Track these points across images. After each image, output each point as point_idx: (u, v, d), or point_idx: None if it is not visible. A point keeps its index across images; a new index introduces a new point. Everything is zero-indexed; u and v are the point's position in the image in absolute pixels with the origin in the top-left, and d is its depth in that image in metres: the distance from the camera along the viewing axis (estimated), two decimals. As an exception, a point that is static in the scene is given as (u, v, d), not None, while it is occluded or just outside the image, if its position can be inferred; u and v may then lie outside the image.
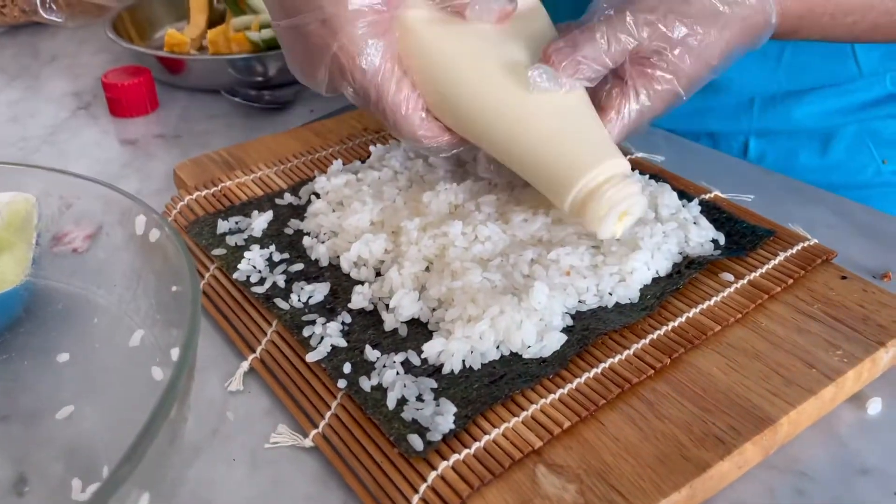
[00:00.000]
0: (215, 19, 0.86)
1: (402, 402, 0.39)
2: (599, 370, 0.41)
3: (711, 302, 0.45)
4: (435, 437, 0.37)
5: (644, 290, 0.46)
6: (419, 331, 0.44)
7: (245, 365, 0.45)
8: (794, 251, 0.48)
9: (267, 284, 0.48)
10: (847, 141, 0.69)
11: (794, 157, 0.71)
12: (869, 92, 0.67)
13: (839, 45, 0.65)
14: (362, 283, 0.47)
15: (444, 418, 0.38)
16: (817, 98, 0.68)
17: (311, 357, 0.43)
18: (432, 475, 0.36)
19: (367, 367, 0.42)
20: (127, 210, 0.38)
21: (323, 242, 0.50)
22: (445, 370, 0.41)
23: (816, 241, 0.49)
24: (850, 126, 0.69)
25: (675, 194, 0.51)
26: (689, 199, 0.52)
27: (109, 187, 0.39)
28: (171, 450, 0.30)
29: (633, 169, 0.54)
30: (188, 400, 0.31)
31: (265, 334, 0.45)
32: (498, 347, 0.42)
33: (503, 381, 0.40)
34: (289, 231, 0.52)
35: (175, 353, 0.32)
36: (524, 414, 0.39)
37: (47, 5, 0.95)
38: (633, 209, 0.44)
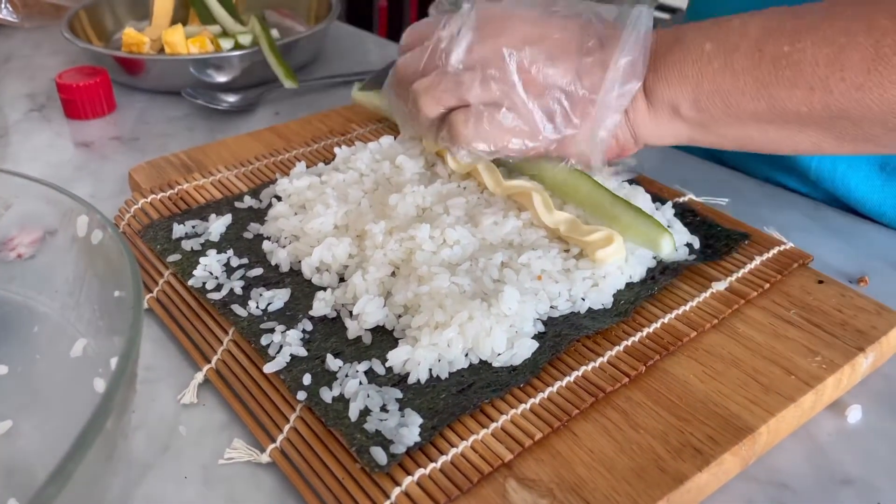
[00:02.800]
0: (179, 22, 0.84)
1: (365, 412, 0.37)
2: (572, 378, 0.39)
3: (687, 307, 0.44)
4: (399, 449, 0.35)
5: (618, 296, 0.44)
6: (384, 338, 0.42)
7: (199, 376, 0.42)
8: (769, 255, 0.47)
9: (224, 291, 0.45)
10: None
11: None
12: None
13: None
14: (324, 289, 0.45)
15: (409, 430, 0.36)
16: None
17: (268, 368, 0.40)
18: (396, 491, 0.34)
19: (328, 378, 0.39)
20: (69, 211, 0.36)
21: (284, 247, 0.48)
22: (411, 380, 0.39)
23: (792, 244, 0.48)
24: None
25: (648, 197, 0.50)
26: (663, 203, 0.51)
27: (50, 186, 0.36)
28: (108, 468, 0.27)
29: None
30: (128, 413, 0.28)
31: (221, 343, 0.43)
32: (466, 355, 0.40)
33: (472, 390, 0.38)
34: (248, 235, 0.50)
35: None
36: (494, 425, 0.37)
37: (2, 5, 0.92)
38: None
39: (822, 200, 0.59)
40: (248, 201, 0.53)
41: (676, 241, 0.47)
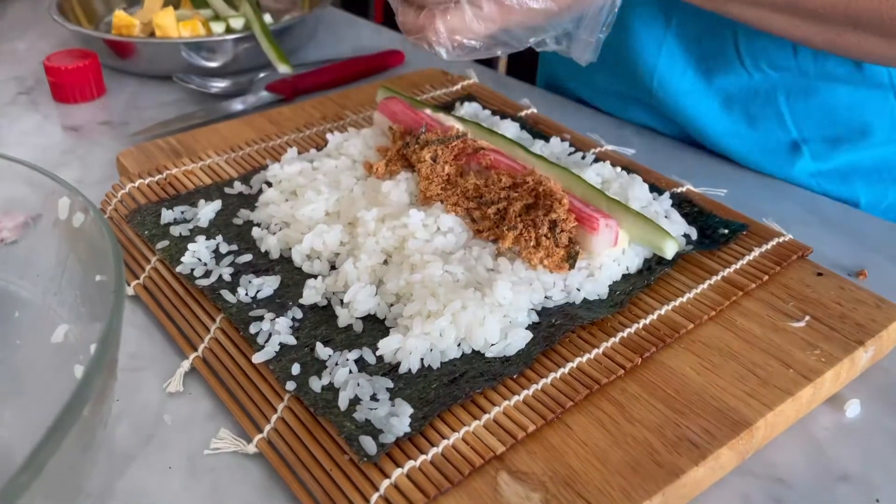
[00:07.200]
0: (171, 5, 0.82)
1: (355, 402, 0.36)
2: (566, 370, 0.38)
3: (684, 298, 0.43)
4: (388, 439, 0.34)
5: (613, 286, 0.44)
6: (375, 327, 0.41)
7: (186, 364, 0.41)
8: (768, 247, 0.47)
9: (212, 277, 0.44)
10: None
11: None
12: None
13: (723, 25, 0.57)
14: (315, 276, 0.44)
15: (399, 420, 0.35)
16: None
17: (257, 358, 0.39)
18: (385, 483, 0.33)
19: (317, 366, 0.39)
20: (51, 193, 0.35)
21: (274, 234, 0.47)
22: (402, 369, 0.38)
23: (791, 236, 0.48)
24: None
25: (646, 186, 0.49)
26: (661, 193, 0.50)
27: (32, 167, 0.35)
28: (86, 457, 0.26)
29: (603, 161, 0.52)
30: (108, 401, 0.27)
31: (208, 331, 0.42)
32: (459, 345, 0.39)
33: (463, 379, 0.37)
34: (238, 221, 0.49)
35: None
36: (486, 417, 0.36)
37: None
38: None
39: (674, 136, 0.64)
40: (238, 187, 0.52)
41: (674, 231, 0.47)
